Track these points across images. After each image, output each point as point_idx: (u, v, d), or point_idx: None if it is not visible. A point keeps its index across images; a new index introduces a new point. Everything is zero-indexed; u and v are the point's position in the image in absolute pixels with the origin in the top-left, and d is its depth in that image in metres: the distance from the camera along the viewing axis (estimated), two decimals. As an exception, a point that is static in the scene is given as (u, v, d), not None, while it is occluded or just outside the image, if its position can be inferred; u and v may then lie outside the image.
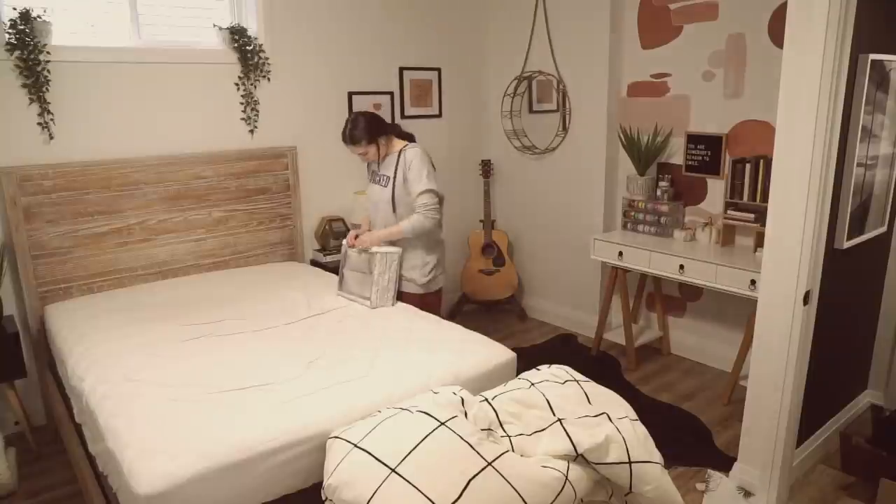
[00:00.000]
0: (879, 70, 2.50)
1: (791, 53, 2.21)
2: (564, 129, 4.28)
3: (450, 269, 4.78)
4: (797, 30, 2.19)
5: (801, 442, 2.68)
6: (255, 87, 3.65)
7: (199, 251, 3.53)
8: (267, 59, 3.64)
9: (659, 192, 3.80)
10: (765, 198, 3.03)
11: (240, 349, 2.48)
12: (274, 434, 1.89)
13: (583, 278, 4.37)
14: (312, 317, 2.84)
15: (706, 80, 3.60)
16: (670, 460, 2.45)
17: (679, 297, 3.99)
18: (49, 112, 3.01)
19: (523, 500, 1.69)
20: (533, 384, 2.08)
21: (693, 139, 3.67)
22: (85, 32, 3.19)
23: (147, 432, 1.88)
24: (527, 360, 2.90)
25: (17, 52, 2.87)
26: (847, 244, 2.58)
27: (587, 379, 2.18)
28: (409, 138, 3.13)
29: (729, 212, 3.45)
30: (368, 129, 2.95)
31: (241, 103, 3.62)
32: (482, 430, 1.88)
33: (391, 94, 4.26)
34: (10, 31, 2.85)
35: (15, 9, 2.88)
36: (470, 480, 1.67)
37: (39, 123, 3.01)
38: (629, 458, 1.84)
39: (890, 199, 2.93)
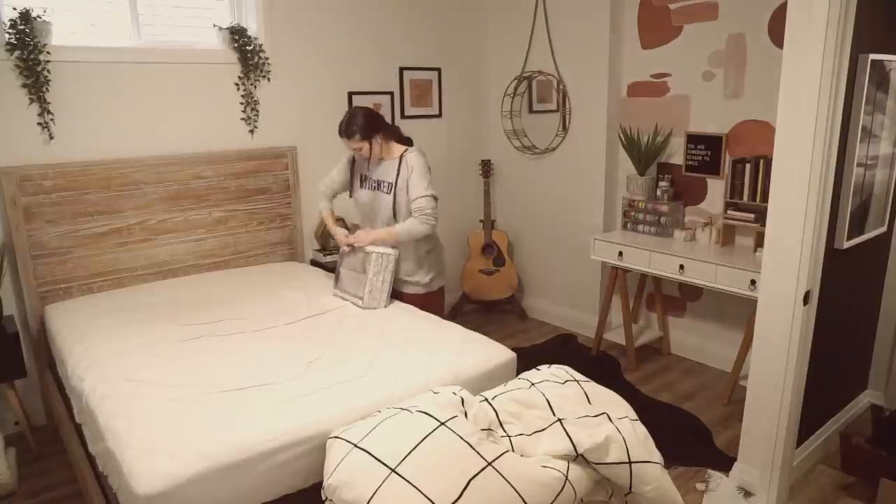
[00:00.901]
0: (879, 70, 2.50)
1: (791, 53, 2.21)
2: (564, 129, 4.28)
3: (450, 269, 4.78)
4: (797, 30, 2.19)
5: (801, 442, 2.68)
6: (255, 87, 3.65)
7: (199, 251, 3.53)
8: (267, 59, 3.64)
9: (659, 192, 3.80)
10: (765, 198, 3.03)
11: (240, 349, 2.48)
12: (274, 434, 1.89)
13: (583, 278, 4.37)
14: (312, 317, 2.84)
15: (706, 80, 3.60)
16: (670, 460, 2.45)
17: (679, 297, 3.99)
18: (49, 112, 3.01)
19: (523, 500, 1.69)
20: (533, 384, 2.08)
21: (693, 139, 3.67)
22: (85, 32, 3.19)
23: (147, 432, 1.88)
24: (527, 360, 2.90)
25: (17, 52, 2.87)
26: (847, 244, 2.58)
27: (587, 379, 2.18)
28: (408, 142, 3.10)
29: (729, 212, 3.45)
30: (365, 125, 2.91)
31: (241, 103, 3.62)
32: (482, 430, 1.88)
33: (391, 94, 4.27)
34: (10, 31, 2.85)
35: (15, 9, 2.88)
36: (470, 480, 1.67)
37: (39, 123, 3.01)
38: (629, 458, 1.84)
39: (890, 199, 2.93)
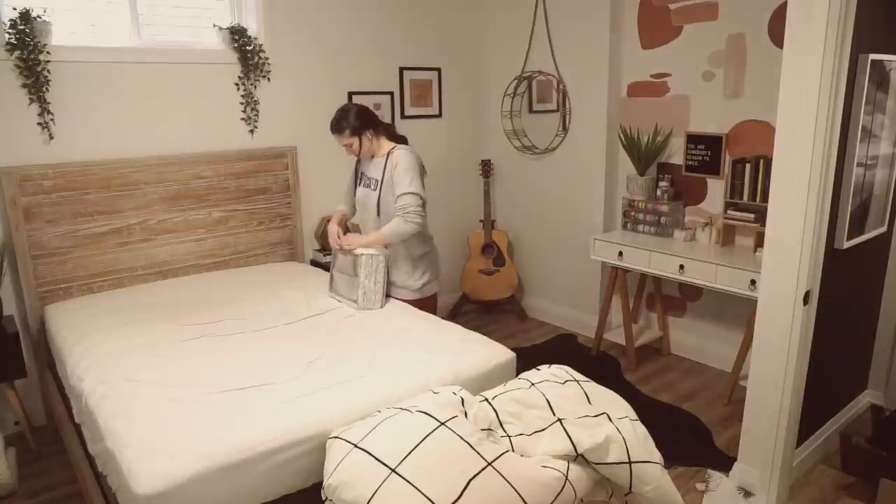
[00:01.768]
0: (879, 70, 2.50)
1: (791, 53, 2.21)
2: (564, 129, 4.28)
3: (450, 270, 4.79)
4: (797, 30, 2.19)
5: (801, 442, 2.68)
6: (255, 87, 3.65)
7: (199, 251, 3.53)
8: (267, 59, 3.64)
9: (659, 192, 3.80)
10: (765, 198, 3.03)
11: (240, 349, 2.47)
12: (274, 434, 1.89)
13: (583, 278, 4.37)
14: (312, 317, 2.84)
15: (706, 80, 3.60)
16: (670, 460, 2.45)
17: (679, 297, 3.99)
18: (49, 112, 3.01)
19: (523, 500, 1.69)
20: (533, 384, 2.08)
21: (693, 139, 3.67)
22: (85, 32, 3.19)
23: (147, 432, 1.88)
24: (527, 360, 2.90)
25: (17, 52, 2.88)
26: (847, 244, 2.58)
27: (587, 379, 2.18)
28: (402, 140, 3.07)
29: (729, 212, 3.45)
30: (355, 121, 2.90)
31: (241, 103, 3.62)
32: (482, 430, 1.88)
33: (391, 94, 4.27)
34: (10, 31, 2.85)
35: (15, 9, 2.88)
36: (470, 480, 1.67)
37: (39, 123, 3.01)
38: (629, 458, 1.84)
39: (890, 199, 2.93)
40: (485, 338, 2.62)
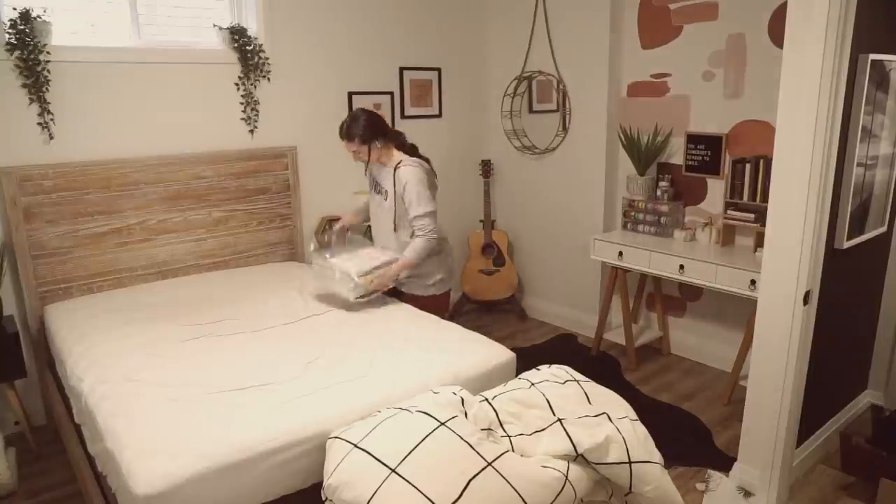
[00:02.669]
0: (879, 70, 2.50)
1: (791, 53, 2.21)
2: (564, 129, 4.28)
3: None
4: (797, 30, 2.18)
5: (801, 442, 2.68)
6: (255, 87, 3.65)
7: (199, 251, 3.53)
8: (267, 59, 3.64)
9: (659, 192, 3.80)
10: (765, 198, 3.03)
11: (239, 349, 2.47)
12: (274, 434, 1.89)
13: (583, 278, 4.37)
14: (312, 317, 2.84)
15: (706, 80, 3.60)
16: (670, 460, 2.45)
17: (679, 297, 3.99)
18: (49, 112, 3.01)
19: (523, 500, 1.69)
20: (533, 384, 2.08)
21: (693, 139, 3.67)
22: (85, 32, 3.19)
23: (146, 432, 1.88)
24: (527, 360, 2.89)
25: (17, 52, 2.87)
26: (847, 244, 2.58)
27: (587, 379, 2.18)
28: (412, 150, 3.05)
29: (729, 212, 3.45)
30: (365, 129, 2.89)
31: (241, 103, 3.62)
32: (482, 429, 1.88)
33: (391, 94, 4.26)
34: (10, 31, 2.85)
35: (15, 9, 2.88)
36: (470, 480, 1.67)
37: (39, 123, 3.01)
38: (629, 458, 1.84)
39: (890, 199, 2.93)
40: (484, 338, 2.62)
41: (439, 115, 4.56)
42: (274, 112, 3.75)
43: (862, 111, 2.43)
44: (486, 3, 4.62)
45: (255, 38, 3.57)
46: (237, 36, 3.50)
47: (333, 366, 2.32)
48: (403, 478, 1.67)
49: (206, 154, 3.49)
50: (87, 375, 2.28)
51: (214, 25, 3.51)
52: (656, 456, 1.94)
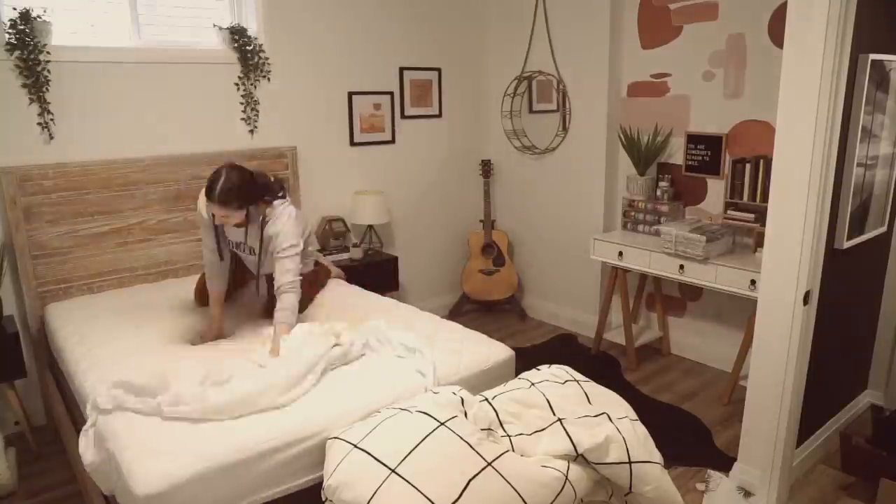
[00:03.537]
0: (879, 70, 2.50)
1: (791, 53, 2.21)
2: (564, 129, 4.28)
3: (450, 270, 4.80)
4: (797, 30, 2.18)
5: (801, 442, 2.68)
6: (255, 87, 3.65)
7: (199, 251, 3.51)
8: (267, 59, 3.64)
9: (659, 192, 3.80)
10: (765, 198, 3.03)
11: (240, 349, 2.47)
12: (274, 434, 1.89)
13: (583, 278, 4.37)
14: (311, 316, 2.83)
15: (706, 80, 3.59)
16: (670, 460, 2.45)
17: (679, 297, 3.99)
18: (49, 112, 3.01)
19: (523, 500, 1.69)
20: (533, 384, 2.08)
21: (693, 139, 3.67)
22: (85, 32, 3.19)
23: (146, 432, 1.88)
24: (527, 360, 2.90)
25: (17, 52, 2.88)
26: (847, 244, 2.58)
27: (587, 379, 2.18)
28: (278, 194, 2.65)
29: (729, 212, 3.44)
30: (238, 198, 2.43)
31: (241, 103, 3.62)
32: (482, 429, 1.88)
33: (391, 94, 4.26)
34: (10, 31, 2.85)
35: (15, 9, 2.88)
36: (470, 481, 1.67)
37: (39, 123, 3.01)
38: (629, 458, 1.84)
39: (890, 199, 2.93)
40: (483, 336, 2.63)
41: (439, 115, 4.56)
42: (274, 112, 3.75)
43: (862, 111, 2.43)
44: (486, 3, 4.62)
45: (255, 38, 3.57)
46: (237, 36, 3.50)
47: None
48: (403, 478, 1.67)
49: (206, 154, 3.49)
50: (88, 376, 2.28)
51: (214, 25, 3.51)
52: (656, 456, 1.94)
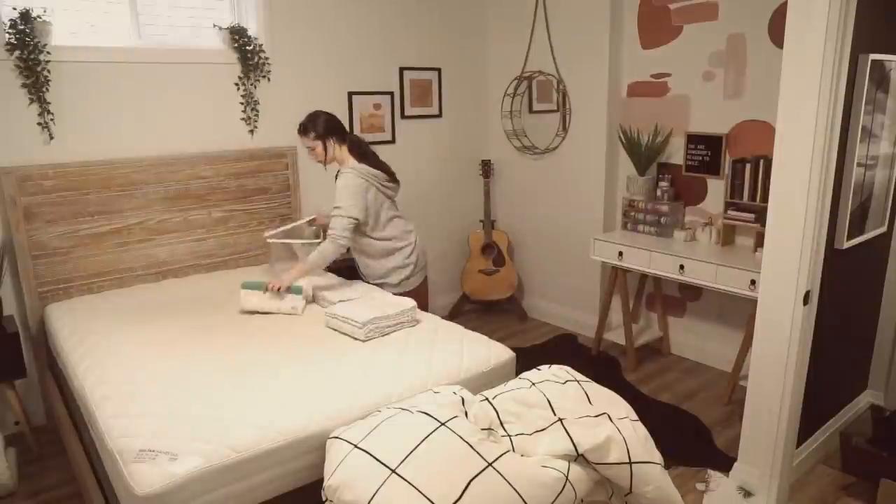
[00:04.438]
0: (879, 70, 2.50)
1: (791, 53, 2.21)
2: (564, 129, 4.28)
3: (450, 270, 4.79)
4: (797, 30, 2.18)
5: (801, 442, 2.68)
6: (255, 87, 3.65)
7: (199, 251, 3.53)
8: (267, 59, 3.64)
9: (659, 192, 3.80)
10: (765, 198, 3.03)
11: (239, 349, 2.47)
12: (273, 434, 1.89)
13: (583, 278, 4.37)
14: (311, 316, 2.83)
15: (706, 80, 3.60)
16: (670, 460, 2.45)
17: (679, 297, 3.99)
18: (49, 112, 3.01)
19: (524, 500, 1.69)
20: (534, 384, 2.08)
21: (693, 139, 3.67)
22: (85, 32, 3.19)
23: (147, 432, 1.88)
24: (527, 360, 2.90)
25: (17, 52, 2.88)
26: (847, 244, 2.58)
27: (587, 379, 2.18)
28: (373, 158, 3.08)
29: (729, 212, 3.45)
30: (321, 126, 2.98)
31: (241, 103, 3.62)
32: (483, 429, 1.88)
33: (391, 94, 4.26)
34: (10, 31, 2.85)
35: (15, 9, 2.88)
36: (470, 481, 1.67)
37: (39, 123, 3.01)
38: (630, 459, 1.84)
39: (890, 199, 2.93)
40: (484, 337, 2.62)
41: (439, 115, 4.56)
42: (274, 112, 3.75)
43: (862, 111, 2.43)
44: (486, 3, 4.62)
45: (255, 38, 3.58)
46: (237, 36, 3.50)
47: (333, 365, 2.32)
48: (404, 478, 1.66)
49: (206, 154, 3.49)
50: (88, 376, 2.28)
51: (214, 25, 3.51)
52: (657, 456, 1.94)
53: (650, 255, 3.54)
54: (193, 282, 3.36)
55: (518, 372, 2.36)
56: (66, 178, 3.06)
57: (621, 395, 2.14)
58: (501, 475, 1.71)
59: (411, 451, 1.72)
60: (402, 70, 4.29)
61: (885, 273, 3.14)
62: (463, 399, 1.99)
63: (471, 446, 1.75)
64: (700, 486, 2.69)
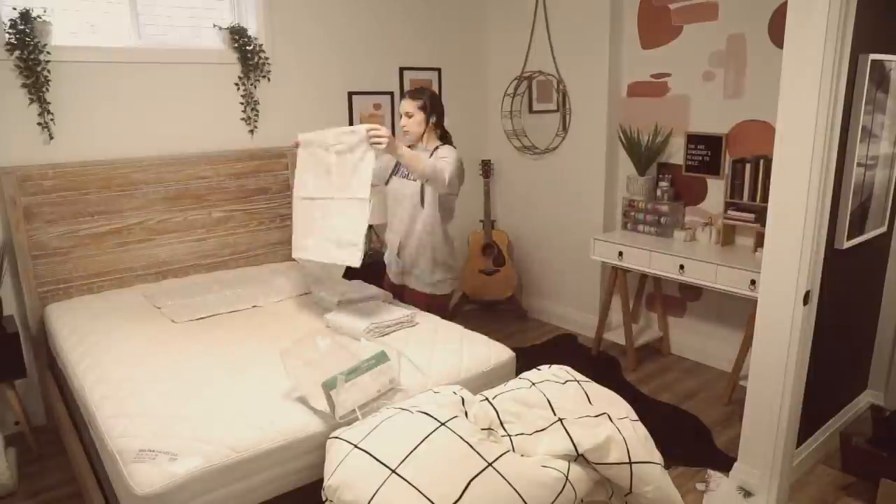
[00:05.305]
0: (879, 70, 2.50)
1: (791, 53, 2.21)
2: (564, 129, 4.28)
3: (450, 269, 4.77)
4: (797, 30, 2.18)
5: (801, 442, 2.68)
6: (255, 87, 3.65)
7: (199, 251, 3.53)
8: (267, 59, 3.64)
9: (659, 192, 3.80)
10: (765, 198, 3.03)
11: (240, 349, 2.47)
12: (273, 434, 1.89)
13: (583, 278, 4.37)
14: (311, 317, 2.83)
15: (706, 80, 3.60)
16: (670, 460, 2.45)
17: (679, 297, 3.99)
18: (49, 112, 3.01)
19: (524, 500, 1.69)
20: (534, 384, 2.08)
21: (693, 139, 3.67)
22: (85, 32, 3.19)
23: (146, 432, 1.88)
24: (527, 360, 2.89)
25: (17, 52, 2.87)
26: (847, 244, 2.58)
27: (587, 379, 2.18)
28: (450, 142, 3.05)
29: (729, 212, 3.45)
30: (429, 99, 2.90)
31: (241, 103, 3.62)
32: (483, 429, 1.88)
33: (391, 94, 4.26)
34: (10, 31, 2.85)
35: (15, 9, 2.88)
36: (470, 481, 1.67)
37: (39, 123, 3.01)
38: (630, 459, 1.84)
39: (890, 199, 2.93)
40: (484, 337, 2.62)
41: (439, 115, 4.55)
42: (274, 112, 3.75)
43: (862, 111, 2.43)
44: (486, 3, 4.62)
45: (255, 38, 3.57)
46: (237, 36, 3.50)
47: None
48: (404, 478, 1.66)
49: (206, 154, 3.49)
50: (87, 375, 2.28)
51: (214, 25, 3.51)
52: (657, 456, 1.94)
53: (650, 255, 3.54)
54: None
55: (518, 372, 2.36)
56: (66, 178, 3.06)
57: (621, 395, 2.14)
58: (501, 475, 1.71)
59: (411, 451, 1.72)
60: (402, 70, 4.29)
61: (884, 273, 3.14)
62: (463, 399, 1.99)
63: (471, 446, 1.75)
64: (700, 486, 2.69)
